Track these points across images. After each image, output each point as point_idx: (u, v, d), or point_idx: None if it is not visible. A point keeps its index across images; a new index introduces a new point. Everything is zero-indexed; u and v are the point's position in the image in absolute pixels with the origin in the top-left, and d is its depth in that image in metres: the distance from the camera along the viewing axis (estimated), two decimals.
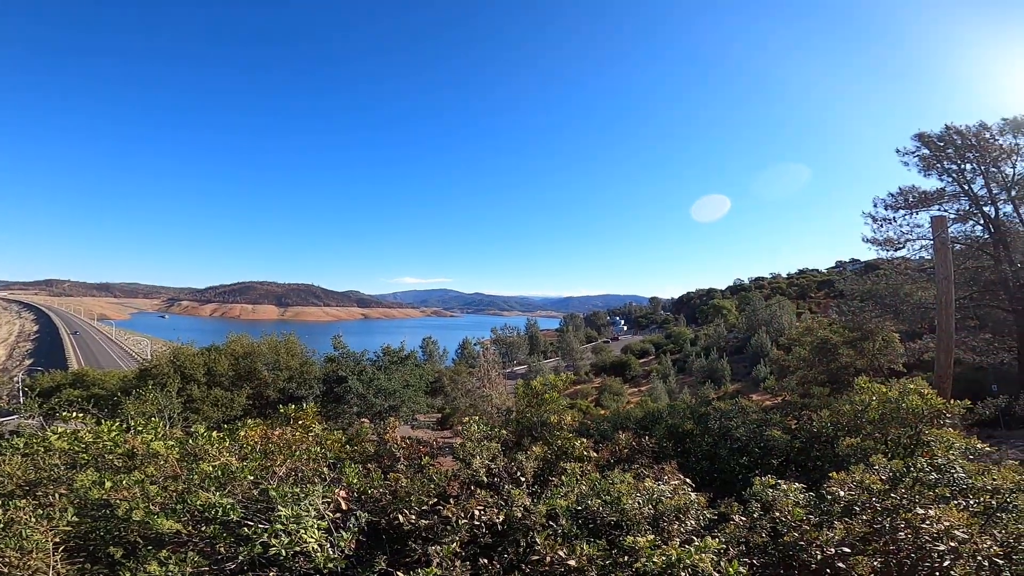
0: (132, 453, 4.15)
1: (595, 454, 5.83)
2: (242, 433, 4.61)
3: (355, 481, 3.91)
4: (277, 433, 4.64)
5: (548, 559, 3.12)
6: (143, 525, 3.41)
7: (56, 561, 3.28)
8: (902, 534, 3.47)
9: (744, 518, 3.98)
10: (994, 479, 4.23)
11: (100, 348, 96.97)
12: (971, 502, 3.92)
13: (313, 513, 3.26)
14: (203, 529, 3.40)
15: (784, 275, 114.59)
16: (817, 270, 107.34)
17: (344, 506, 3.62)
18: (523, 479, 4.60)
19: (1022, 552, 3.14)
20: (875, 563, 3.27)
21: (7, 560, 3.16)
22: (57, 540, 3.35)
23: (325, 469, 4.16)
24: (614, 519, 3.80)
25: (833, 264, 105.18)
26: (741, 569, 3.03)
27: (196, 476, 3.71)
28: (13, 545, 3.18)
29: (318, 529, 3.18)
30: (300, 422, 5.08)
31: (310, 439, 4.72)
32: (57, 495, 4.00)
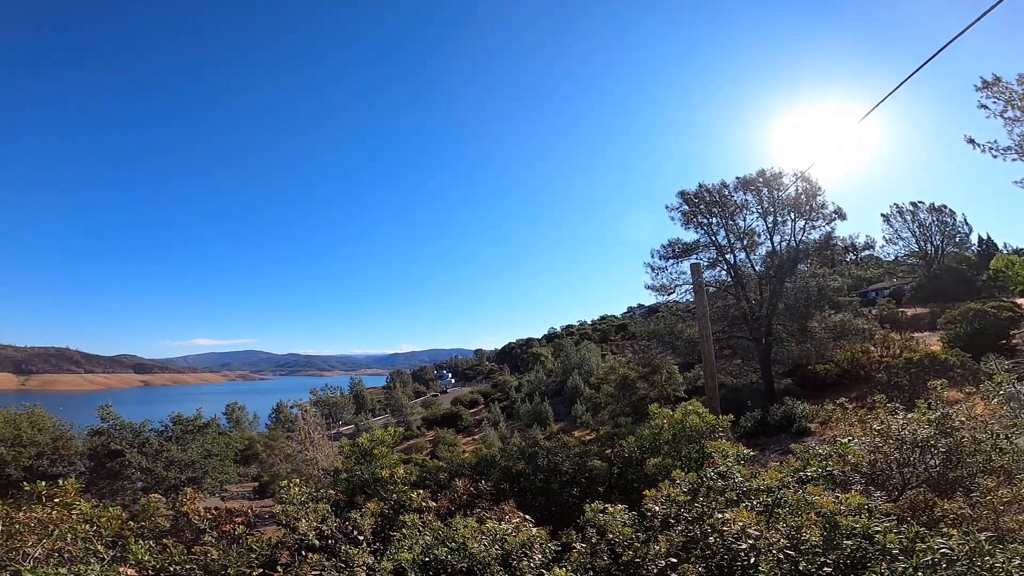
0: None
1: (434, 503, 5.69)
2: None
3: (146, 558, 3.39)
4: (24, 514, 3.77)
5: None
6: None
7: None
8: (712, 538, 3.90)
9: (585, 545, 4.20)
10: (764, 480, 5.00)
11: None
12: (753, 502, 4.61)
13: None
14: None
15: (589, 322, 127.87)
16: (614, 315, 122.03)
17: None
18: (361, 538, 4.24)
19: (807, 543, 3.58)
20: (699, 568, 3.57)
21: None
22: None
23: (100, 547, 3.53)
24: (464, 565, 3.72)
25: (626, 309, 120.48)
26: None
27: None
28: None
29: None
30: (57, 500, 4.18)
31: (74, 517, 3.92)
32: None
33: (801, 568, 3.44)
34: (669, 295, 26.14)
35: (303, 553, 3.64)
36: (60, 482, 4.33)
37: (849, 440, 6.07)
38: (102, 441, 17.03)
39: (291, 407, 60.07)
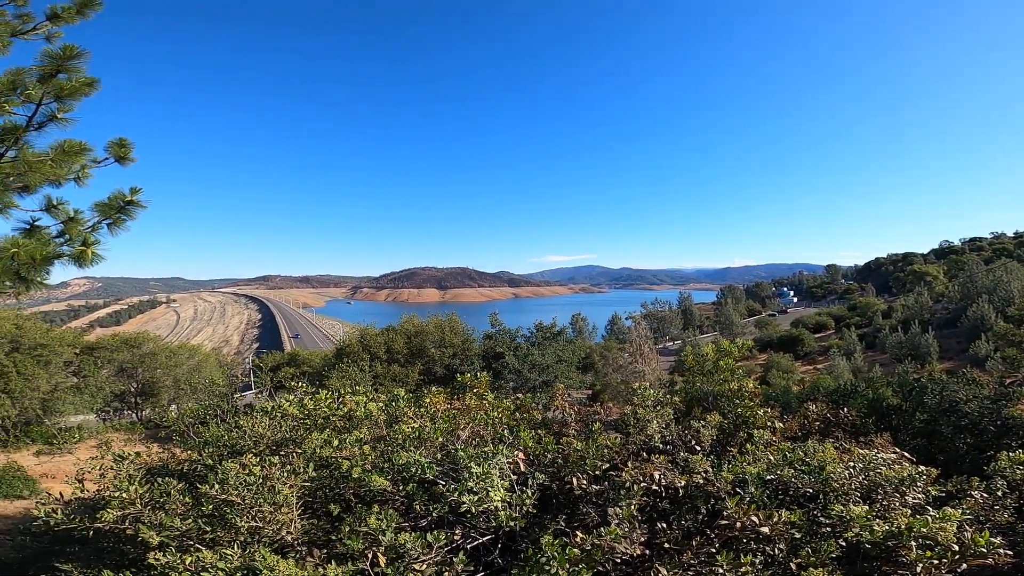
0: (349, 415, 4.75)
1: (780, 425, 5.29)
2: (427, 400, 5.06)
3: (530, 445, 3.98)
4: (457, 401, 5.02)
5: (738, 524, 2.92)
6: (358, 482, 3.58)
7: (296, 516, 3.39)
8: None
9: (987, 496, 3.34)
10: None
11: (305, 332, 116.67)
12: None
13: (498, 473, 3.36)
14: (401, 488, 3.60)
15: (1010, 234, 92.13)
16: None
17: (522, 468, 3.71)
18: (698, 447, 4.37)
19: None
20: None
21: (262, 514, 3.26)
22: (296, 496, 3.47)
23: (505, 432, 4.29)
24: (811, 490, 3.43)
25: None
26: (994, 540, 2.53)
27: (398, 436, 4.05)
28: (269, 499, 3.29)
29: (501, 488, 3.28)
30: (475, 390, 5.45)
31: (485, 406, 4.97)
32: (294, 455, 4.30)
33: None
34: None
35: (644, 454, 3.98)
36: (478, 375, 5.66)
37: None
38: (490, 345, 21.40)
39: (624, 319, 64.51)
